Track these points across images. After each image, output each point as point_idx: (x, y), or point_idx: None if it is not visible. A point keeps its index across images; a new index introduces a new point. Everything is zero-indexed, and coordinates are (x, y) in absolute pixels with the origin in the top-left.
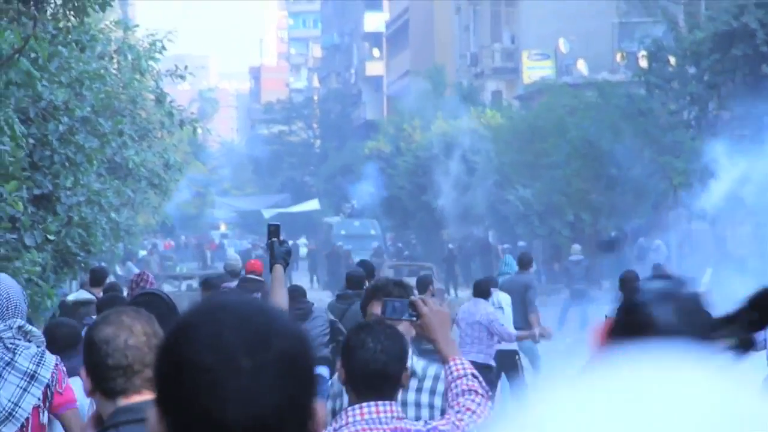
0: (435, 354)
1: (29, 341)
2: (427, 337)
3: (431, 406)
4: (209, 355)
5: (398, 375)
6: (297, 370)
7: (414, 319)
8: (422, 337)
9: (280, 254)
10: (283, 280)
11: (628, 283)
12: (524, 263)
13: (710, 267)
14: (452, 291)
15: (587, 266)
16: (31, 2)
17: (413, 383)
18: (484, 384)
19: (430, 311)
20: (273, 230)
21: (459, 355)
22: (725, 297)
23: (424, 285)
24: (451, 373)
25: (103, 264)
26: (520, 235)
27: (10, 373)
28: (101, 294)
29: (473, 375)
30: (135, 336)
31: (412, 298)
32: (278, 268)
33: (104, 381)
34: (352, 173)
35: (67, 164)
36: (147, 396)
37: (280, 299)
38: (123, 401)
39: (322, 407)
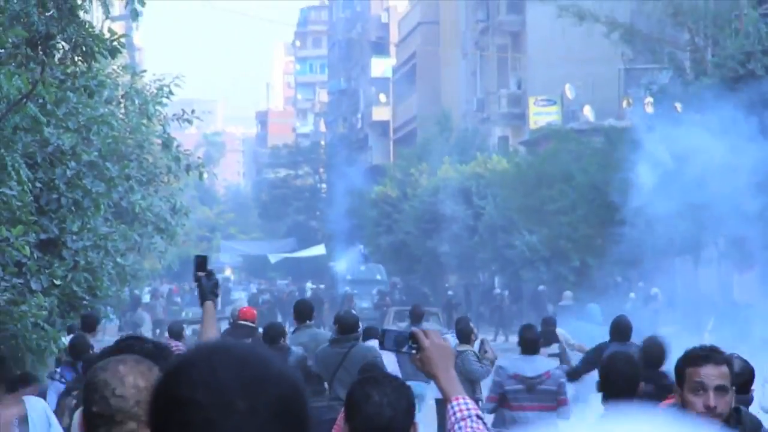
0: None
1: None
2: (428, 372)
3: None
4: (204, 393)
5: (405, 430)
6: (290, 416)
7: (414, 352)
8: (422, 372)
9: (209, 289)
10: (215, 316)
11: (619, 327)
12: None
13: (713, 316)
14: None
15: (576, 312)
16: (39, 47)
17: None
18: (488, 426)
19: (431, 344)
20: (200, 262)
21: (462, 394)
22: (728, 344)
23: (465, 335)
24: (454, 413)
25: (109, 308)
26: (527, 280)
27: None
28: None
29: (477, 416)
30: (125, 387)
31: (414, 329)
32: (209, 305)
33: (90, 427)
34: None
35: (73, 209)
36: None
37: (212, 336)
38: None
39: None
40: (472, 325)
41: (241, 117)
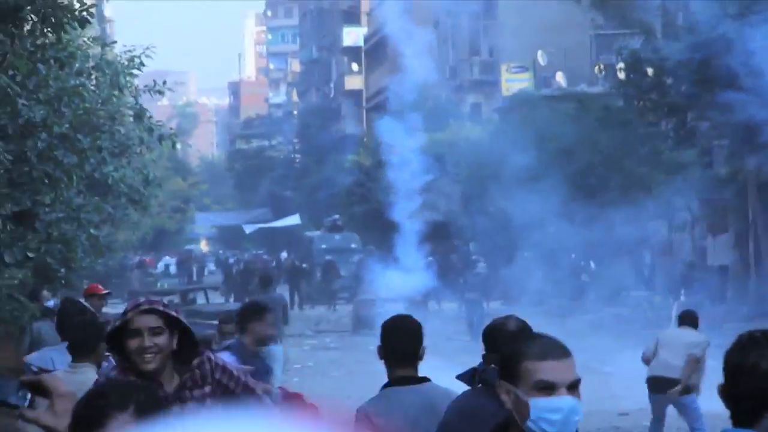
0: None
1: None
2: None
3: None
4: None
5: None
6: None
7: None
8: None
9: None
10: None
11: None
12: None
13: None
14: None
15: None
16: (9, 19)
17: None
18: None
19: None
20: None
21: None
22: (700, 306)
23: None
24: None
25: (86, 281)
26: (501, 247)
27: None
28: None
29: None
30: None
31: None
32: None
33: None
34: (333, 187)
35: (46, 181)
36: None
37: None
38: None
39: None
40: None
41: (213, 88)
